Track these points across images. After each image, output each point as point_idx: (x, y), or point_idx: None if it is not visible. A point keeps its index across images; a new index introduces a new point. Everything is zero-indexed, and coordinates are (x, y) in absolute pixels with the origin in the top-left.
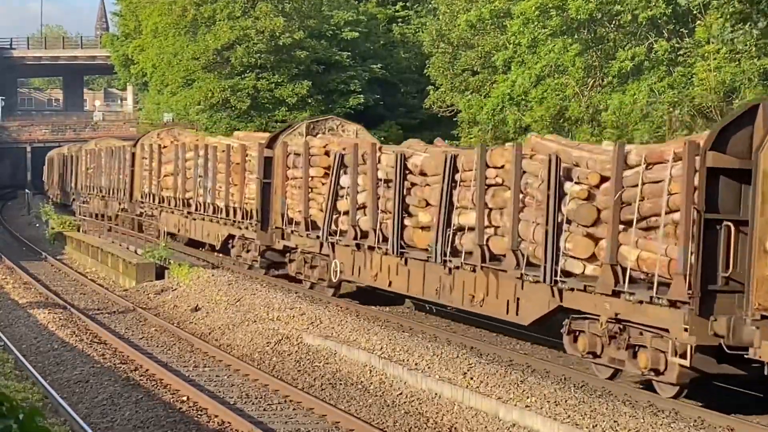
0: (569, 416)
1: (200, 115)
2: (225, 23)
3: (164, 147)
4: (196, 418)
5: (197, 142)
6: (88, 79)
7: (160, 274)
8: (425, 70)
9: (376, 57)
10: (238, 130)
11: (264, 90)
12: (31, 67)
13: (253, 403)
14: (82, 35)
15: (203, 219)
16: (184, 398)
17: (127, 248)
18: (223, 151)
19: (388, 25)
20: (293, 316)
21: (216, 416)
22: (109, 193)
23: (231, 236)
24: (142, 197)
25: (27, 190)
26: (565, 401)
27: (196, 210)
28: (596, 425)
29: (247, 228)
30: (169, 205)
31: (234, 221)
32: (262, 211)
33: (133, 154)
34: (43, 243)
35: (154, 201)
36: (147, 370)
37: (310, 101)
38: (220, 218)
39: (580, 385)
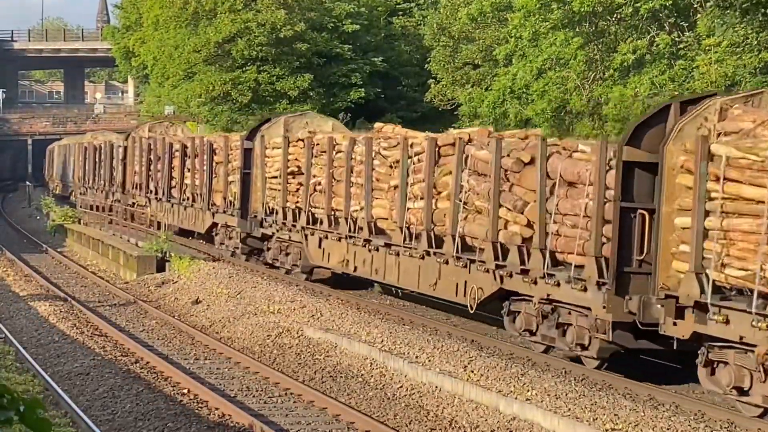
0: (570, 409)
1: (201, 108)
2: (226, 16)
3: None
4: (196, 411)
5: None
6: (89, 71)
7: (160, 267)
8: (426, 64)
9: (377, 50)
10: (239, 123)
11: (265, 83)
12: (32, 60)
13: (253, 396)
14: (83, 28)
15: None
16: (185, 391)
17: (128, 240)
18: None
19: (389, 18)
20: (294, 309)
21: (216, 409)
22: (333, 225)
23: None
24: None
25: (27, 183)
26: (566, 394)
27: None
28: (596, 418)
29: None
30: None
31: None
32: None
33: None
34: (44, 235)
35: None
36: (148, 362)
37: (311, 94)
38: None
39: (581, 378)
